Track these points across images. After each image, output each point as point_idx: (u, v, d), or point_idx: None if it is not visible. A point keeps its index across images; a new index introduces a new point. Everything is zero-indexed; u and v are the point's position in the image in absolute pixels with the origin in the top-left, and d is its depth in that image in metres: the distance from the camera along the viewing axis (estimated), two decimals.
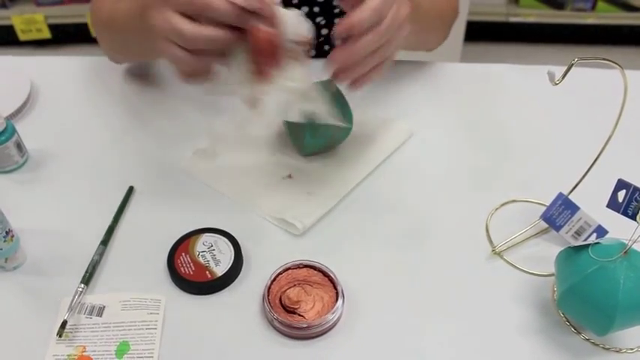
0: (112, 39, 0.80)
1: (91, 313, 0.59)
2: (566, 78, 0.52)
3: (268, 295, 0.58)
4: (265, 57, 0.54)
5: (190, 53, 0.55)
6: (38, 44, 2.25)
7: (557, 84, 0.50)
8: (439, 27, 0.85)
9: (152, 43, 0.58)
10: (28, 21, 2.19)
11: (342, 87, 0.66)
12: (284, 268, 0.60)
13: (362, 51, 0.57)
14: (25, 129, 0.78)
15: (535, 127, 0.81)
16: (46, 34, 2.21)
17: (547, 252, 0.64)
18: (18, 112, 0.82)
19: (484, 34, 2.26)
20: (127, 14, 0.70)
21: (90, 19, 0.85)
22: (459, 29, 1.96)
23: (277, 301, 0.58)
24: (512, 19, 2.23)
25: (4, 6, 2.20)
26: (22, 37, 2.22)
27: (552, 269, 0.59)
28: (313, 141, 0.71)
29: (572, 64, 0.50)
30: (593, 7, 2.20)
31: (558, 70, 0.53)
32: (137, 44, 0.74)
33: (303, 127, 0.70)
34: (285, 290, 0.59)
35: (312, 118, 0.69)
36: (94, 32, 0.84)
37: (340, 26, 0.55)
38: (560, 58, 2.27)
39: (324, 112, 0.62)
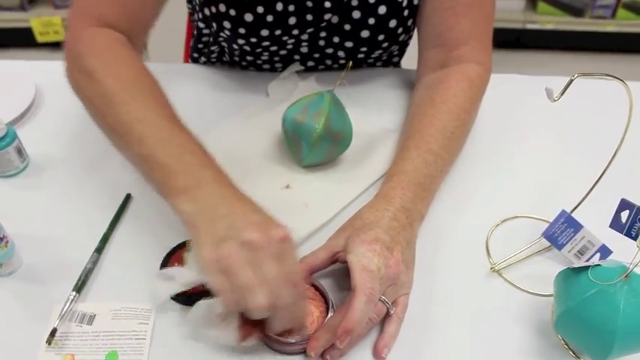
0: (98, 118, 0.66)
1: (81, 321, 0.59)
2: (572, 90, 0.50)
3: None
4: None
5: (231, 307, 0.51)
6: (55, 46, 2.28)
7: (555, 100, 0.48)
8: (457, 151, 0.73)
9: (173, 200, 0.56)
10: (46, 23, 2.22)
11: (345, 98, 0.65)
12: None
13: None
14: (27, 134, 0.79)
15: (539, 141, 0.79)
16: (63, 37, 2.24)
17: (548, 271, 0.62)
18: (22, 117, 0.82)
19: (501, 40, 2.22)
20: (156, 139, 0.59)
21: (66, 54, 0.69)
22: None
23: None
24: (530, 26, 2.20)
25: (22, 9, 2.24)
26: (39, 39, 2.25)
27: (553, 289, 0.57)
28: (311, 154, 0.70)
29: (572, 80, 0.48)
30: (614, 15, 2.16)
31: (560, 84, 0.52)
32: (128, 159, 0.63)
33: (301, 140, 0.69)
34: None
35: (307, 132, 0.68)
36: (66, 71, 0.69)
37: (340, 334, 0.53)
38: (578, 66, 2.24)
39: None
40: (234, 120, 0.81)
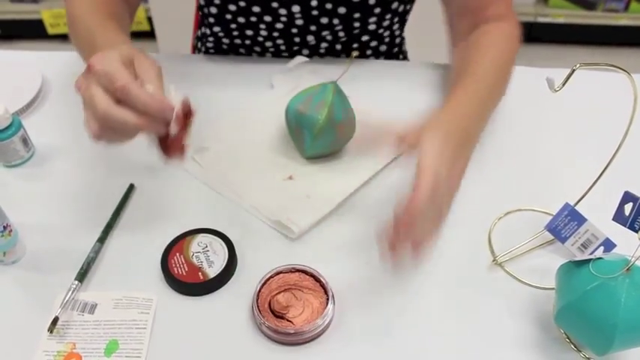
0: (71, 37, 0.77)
1: (83, 310, 0.59)
2: (577, 82, 0.49)
3: (258, 299, 0.57)
4: (171, 153, 0.60)
5: (100, 125, 0.55)
6: (66, 38, 2.29)
7: (557, 91, 0.48)
8: (504, 88, 0.75)
9: None
10: (57, 15, 2.23)
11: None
12: (275, 271, 0.59)
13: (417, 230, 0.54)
14: (34, 123, 0.79)
15: (543, 133, 0.78)
16: None
17: (551, 264, 0.62)
18: (28, 107, 0.83)
19: None
20: (83, 32, 0.71)
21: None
22: None
23: (266, 306, 0.57)
24: (541, 20, 2.17)
25: (34, 0, 2.25)
26: (50, 30, 2.26)
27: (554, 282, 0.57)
28: (314, 145, 0.70)
29: (574, 70, 0.47)
30: (626, 8, 2.13)
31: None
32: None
33: (303, 131, 0.69)
34: (275, 295, 0.58)
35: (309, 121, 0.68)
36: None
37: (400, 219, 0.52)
38: (590, 60, 2.21)
39: None
40: (238, 111, 0.81)
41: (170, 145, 0.59)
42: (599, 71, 0.49)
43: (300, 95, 0.71)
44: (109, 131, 0.56)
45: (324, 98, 0.68)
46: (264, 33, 0.88)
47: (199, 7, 0.97)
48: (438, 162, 0.54)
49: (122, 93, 0.54)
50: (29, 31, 2.29)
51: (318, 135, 0.68)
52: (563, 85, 0.47)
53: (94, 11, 0.73)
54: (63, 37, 2.28)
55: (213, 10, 0.87)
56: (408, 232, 0.52)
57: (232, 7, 0.83)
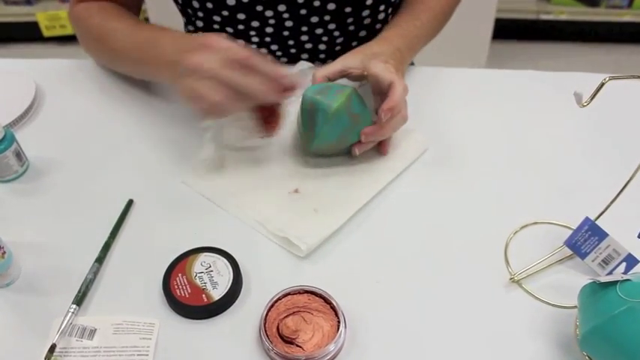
0: (100, 52, 0.81)
1: (81, 336, 0.56)
2: (600, 91, 0.47)
3: (265, 324, 0.54)
4: (274, 125, 0.67)
5: (226, 93, 0.59)
6: (62, 40, 2.26)
7: (585, 106, 0.45)
8: (437, 31, 0.85)
9: (158, 73, 0.71)
10: (52, 17, 2.20)
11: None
12: (283, 293, 0.57)
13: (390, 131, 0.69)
14: (27, 136, 0.77)
15: (562, 143, 0.75)
16: (70, 30, 2.22)
17: (571, 281, 0.59)
18: (21, 118, 0.80)
19: (513, 32, 2.18)
20: (132, 42, 0.74)
21: (70, 22, 0.87)
22: (486, 28, 1.89)
23: (275, 330, 0.54)
24: (544, 17, 2.14)
25: (29, 3, 2.22)
26: (46, 33, 2.23)
27: (576, 301, 0.54)
28: (325, 131, 0.65)
29: (603, 84, 0.44)
30: (630, 4, 2.10)
31: (581, 80, 0.48)
32: (135, 69, 0.79)
33: (317, 114, 0.65)
34: (284, 318, 0.55)
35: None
36: (74, 31, 0.85)
37: (385, 110, 0.65)
38: (594, 57, 2.19)
39: None
40: (240, 120, 0.78)
41: (276, 118, 0.66)
42: (621, 79, 0.46)
43: (319, 85, 0.68)
44: (232, 100, 0.60)
45: (343, 90, 0.66)
46: (255, 40, 0.85)
47: (185, 26, 0.95)
48: (397, 76, 0.67)
49: (249, 62, 0.60)
50: (24, 34, 2.25)
51: (332, 119, 0.64)
52: (592, 99, 0.45)
53: (124, 21, 0.78)
54: (59, 40, 2.25)
55: (200, 23, 0.84)
56: (387, 125, 0.66)
57: (217, 19, 0.81)
